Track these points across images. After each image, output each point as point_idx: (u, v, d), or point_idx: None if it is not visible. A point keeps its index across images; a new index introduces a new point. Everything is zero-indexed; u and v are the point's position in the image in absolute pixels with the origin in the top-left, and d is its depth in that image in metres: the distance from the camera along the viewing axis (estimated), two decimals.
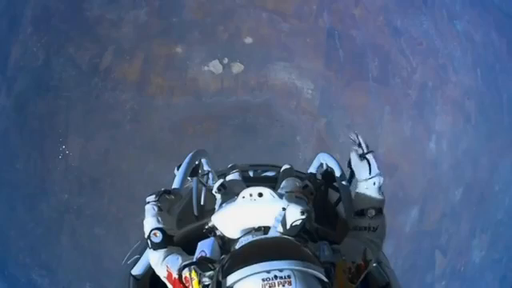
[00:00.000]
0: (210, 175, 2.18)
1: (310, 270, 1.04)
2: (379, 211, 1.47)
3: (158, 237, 1.39)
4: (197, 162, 1.95)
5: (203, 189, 2.06)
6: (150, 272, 1.56)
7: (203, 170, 2.17)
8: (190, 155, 1.89)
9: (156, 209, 1.46)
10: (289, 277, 1.00)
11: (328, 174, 1.93)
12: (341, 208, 1.80)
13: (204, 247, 1.30)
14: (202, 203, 2.03)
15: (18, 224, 3.86)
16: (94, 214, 3.88)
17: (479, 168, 4.86)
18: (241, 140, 4.06)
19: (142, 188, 3.61)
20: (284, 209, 1.37)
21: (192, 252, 1.30)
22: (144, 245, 1.59)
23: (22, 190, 3.90)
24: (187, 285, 1.24)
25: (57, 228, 3.88)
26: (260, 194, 1.46)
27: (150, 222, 1.43)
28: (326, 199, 2.02)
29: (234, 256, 1.12)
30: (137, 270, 1.57)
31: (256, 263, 1.02)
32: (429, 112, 4.71)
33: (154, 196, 1.50)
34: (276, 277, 1.00)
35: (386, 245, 1.46)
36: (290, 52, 4.33)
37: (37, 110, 3.97)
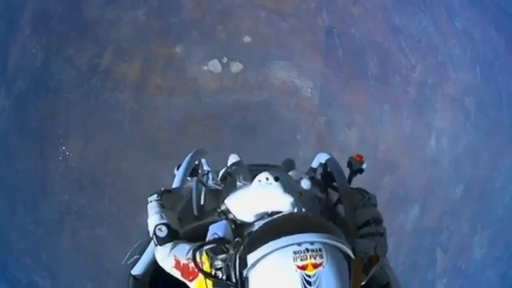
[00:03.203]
0: (210, 175, 2.18)
1: (339, 245, 1.02)
2: (381, 223, 1.48)
3: (163, 231, 1.36)
4: (196, 162, 1.95)
5: (203, 189, 2.06)
6: (149, 272, 1.56)
7: (203, 170, 2.17)
8: (189, 155, 1.90)
9: (159, 206, 1.46)
10: (320, 250, 0.98)
11: (328, 173, 1.92)
12: (341, 208, 1.80)
13: (216, 229, 1.27)
14: (202, 203, 2.03)
15: (18, 225, 3.86)
16: (95, 215, 3.88)
17: (479, 165, 4.86)
18: (241, 139, 4.07)
19: (142, 188, 3.61)
20: (300, 193, 1.37)
21: None
22: (144, 245, 1.59)
23: (22, 191, 3.90)
24: (197, 270, 1.20)
25: (58, 229, 3.89)
26: (276, 178, 1.46)
27: (153, 219, 1.42)
28: (326, 199, 2.02)
29: (259, 231, 1.09)
30: (137, 270, 1.57)
31: (285, 236, 1.00)
32: (428, 109, 4.71)
33: (155, 195, 1.51)
34: (307, 250, 0.98)
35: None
36: (289, 51, 4.33)
37: (36, 111, 3.97)
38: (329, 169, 1.89)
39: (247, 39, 4.27)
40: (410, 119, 4.59)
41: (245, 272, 1.04)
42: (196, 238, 1.32)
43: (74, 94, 4.00)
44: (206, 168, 2.22)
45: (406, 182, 4.49)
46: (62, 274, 3.85)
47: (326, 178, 1.92)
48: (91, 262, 3.85)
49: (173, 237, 1.37)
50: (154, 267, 1.55)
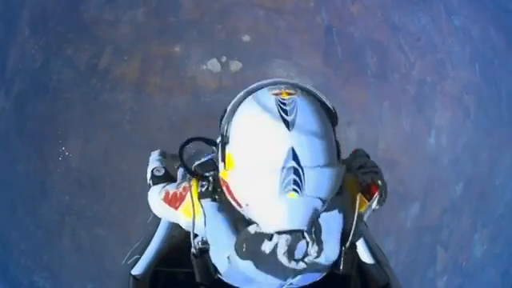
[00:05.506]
0: None
1: (315, 91, 1.13)
2: (376, 166, 1.48)
3: (160, 171, 1.41)
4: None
5: None
6: (149, 272, 1.56)
7: None
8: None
9: (161, 155, 1.53)
10: (294, 88, 1.07)
11: None
12: None
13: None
14: None
15: (18, 227, 3.86)
16: (95, 215, 3.88)
17: (479, 162, 4.86)
18: None
19: (142, 188, 3.61)
20: None
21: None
22: (144, 245, 1.59)
23: (22, 192, 3.90)
24: (184, 194, 1.22)
25: (58, 230, 3.88)
26: None
27: (153, 164, 1.48)
28: None
29: None
30: (137, 270, 1.57)
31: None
32: (428, 107, 4.71)
33: (158, 150, 1.72)
34: (281, 87, 1.08)
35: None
36: (288, 49, 4.33)
37: (36, 111, 3.96)
38: None
39: (246, 38, 4.26)
40: (409, 117, 4.58)
41: (224, 122, 1.17)
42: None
43: (74, 94, 3.99)
44: None
45: (405, 180, 4.49)
46: (62, 275, 3.85)
47: None
48: (92, 262, 3.85)
49: (168, 179, 1.40)
50: (154, 267, 1.55)
